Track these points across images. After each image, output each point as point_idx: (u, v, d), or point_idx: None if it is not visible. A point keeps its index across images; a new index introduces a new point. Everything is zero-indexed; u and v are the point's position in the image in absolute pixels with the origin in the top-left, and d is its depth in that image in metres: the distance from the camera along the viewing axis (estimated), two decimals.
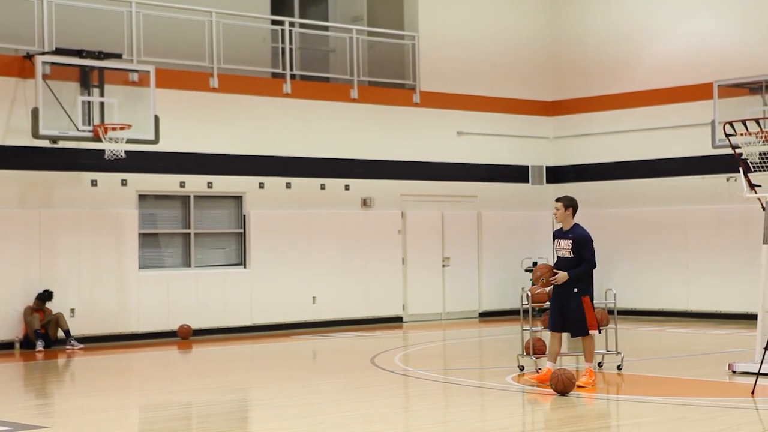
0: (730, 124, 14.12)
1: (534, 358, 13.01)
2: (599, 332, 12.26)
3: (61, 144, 17.62)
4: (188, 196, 19.29)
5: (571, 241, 11.94)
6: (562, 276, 11.88)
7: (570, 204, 12.08)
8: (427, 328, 20.40)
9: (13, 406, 11.53)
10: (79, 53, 17.45)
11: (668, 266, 21.46)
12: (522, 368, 13.09)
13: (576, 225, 12.08)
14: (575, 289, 11.91)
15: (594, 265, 11.95)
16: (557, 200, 12.16)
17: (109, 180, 18.27)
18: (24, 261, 17.41)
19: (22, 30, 17.59)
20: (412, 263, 21.64)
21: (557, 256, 12.16)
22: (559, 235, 12.13)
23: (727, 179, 20.28)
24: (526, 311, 13.26)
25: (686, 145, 21.25)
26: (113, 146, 17.23)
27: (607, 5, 22.90)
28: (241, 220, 19.79)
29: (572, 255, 11.92)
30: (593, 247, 11.99)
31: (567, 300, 12.00)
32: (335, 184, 20.72)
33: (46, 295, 17.24)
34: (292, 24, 20.88)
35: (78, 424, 10.32)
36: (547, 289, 12.40)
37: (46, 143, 17.42)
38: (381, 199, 21.31)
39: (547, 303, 13.23)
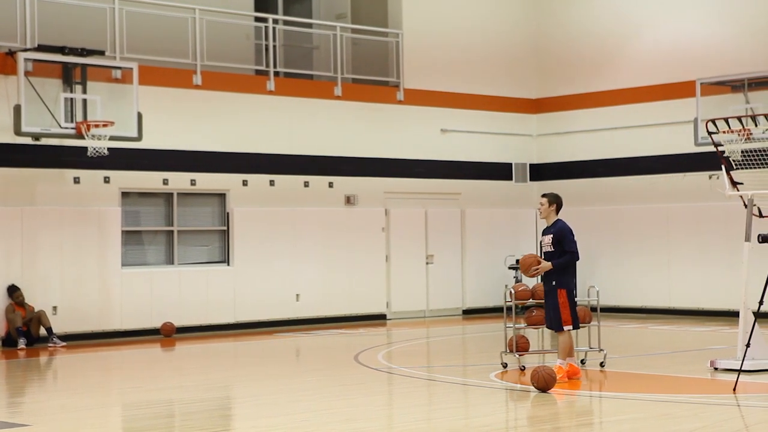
0: (713, 121, 14.17)
1: (517, 355, 13.05)
2: (573, 328, 12.19)
3: (44, 141, 17.55)
4: (171, 194, 19.24)
5: (552, 235, 12.12)
6: (545, 265, 12.05)
7: (555, 200, 12.28)
8: (410, 325, 20.41)
9: None
10: (61, 50, 17.38)
11: (650, 263, 21.53)
12: (505, 365, 13.12)
13: (558, 220, 12.28)
14: (553, 282, 12.05)
15: (577, 256, 12.12)
16: (543, 195, 12.38)
17: (91, 177, 18.21)
18: (6, 258, 17.33)
19: (4, 26, 17.51)
20: (395, 261, 21.64)
21: (542, 253, 12.27)
22: (544, 231, 12.37)
23: (710, 177, 20.35)
24: (509, 308, 13.30)
25: (669, 142, 21.31)
26: (96, 143, 17.17)
27: (591, 3, 22.94)
28: (225, 218, 19.76)
29: (553, 249, 12.10)
30: (574, 238, 12.15)
31: (548, 294, 12.15)
32: (319, 181, 20.71)
33: (12, 289, 17.14)
34: (275, 21, 20.86)
35: (60, 422, 10.28)
36: (534, 281, 12.56)
37: (28, 140, 17.35)
38: (365, 197, 21.31)
39: (531, 300, 13.31)
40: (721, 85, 19.99)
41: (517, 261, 21.94)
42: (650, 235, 21.54)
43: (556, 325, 12.14)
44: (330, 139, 20.82)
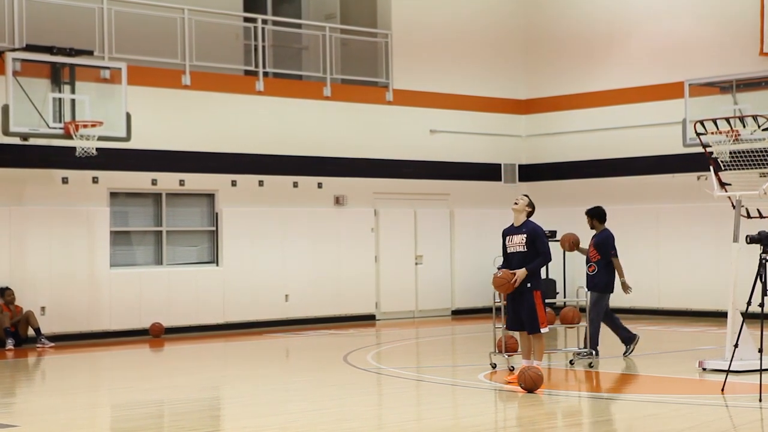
0: (701, 122, 14.20)
1: (506, 356, 13.05)
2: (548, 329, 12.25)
3: (32, 141, 17.49)
4: (160, 194, 19.21)
5: (525, 235, 12.07)
6: (521, 274, 11.95)
7: (532, 206, 12.31)
8: (399, 325, 20.41)
9: None
10: (50, 50, 17.33)
11: (639, 264, 21.54)
12: (494, 366, 13.14)
13: (528, 221, 12.22)
14: (528, 284, 12.02)
15: (550, 258, 12.07)
16: (525, 195, 12.34)
17: (80, 177, 18.18)
18: None
19: None
20: (385, 261, 21.64)
21: (508, 253, 12.19)
22: (510, 231, 12.23)
23: (698, 178, 20.40)
24: (498, 309, 13.31)
25: (658, 143, 21.35)
26: (84, 143, 17.13)
27: (580, 4, 22.97)
28: (213, 218, 19.74)
29: (526, 249, 12.02)
30: (546, 240, 12.13)
31: (521, 296, 12.07)
32: (308, 181, 20.70)
33: (1, 290, 17.10)
34: (264, 21, 20.84)
35: (49, 423, 10.26)
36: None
37: (16, 140, 17.30)
38: (354, 197, 21.30)
39: None
40: (710, 86, 20.04)
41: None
42: (639, 236, 21.57)
43: (531, 327, 12.05)
44: (319, 140, 20.81)
